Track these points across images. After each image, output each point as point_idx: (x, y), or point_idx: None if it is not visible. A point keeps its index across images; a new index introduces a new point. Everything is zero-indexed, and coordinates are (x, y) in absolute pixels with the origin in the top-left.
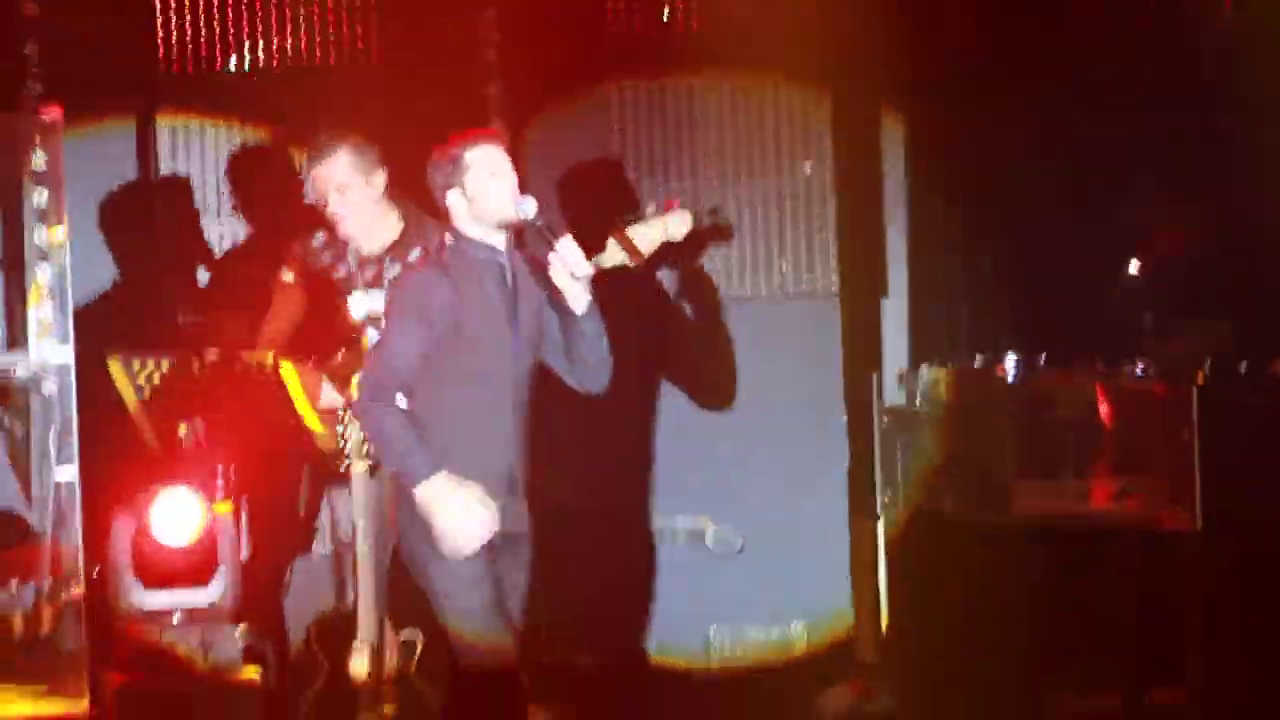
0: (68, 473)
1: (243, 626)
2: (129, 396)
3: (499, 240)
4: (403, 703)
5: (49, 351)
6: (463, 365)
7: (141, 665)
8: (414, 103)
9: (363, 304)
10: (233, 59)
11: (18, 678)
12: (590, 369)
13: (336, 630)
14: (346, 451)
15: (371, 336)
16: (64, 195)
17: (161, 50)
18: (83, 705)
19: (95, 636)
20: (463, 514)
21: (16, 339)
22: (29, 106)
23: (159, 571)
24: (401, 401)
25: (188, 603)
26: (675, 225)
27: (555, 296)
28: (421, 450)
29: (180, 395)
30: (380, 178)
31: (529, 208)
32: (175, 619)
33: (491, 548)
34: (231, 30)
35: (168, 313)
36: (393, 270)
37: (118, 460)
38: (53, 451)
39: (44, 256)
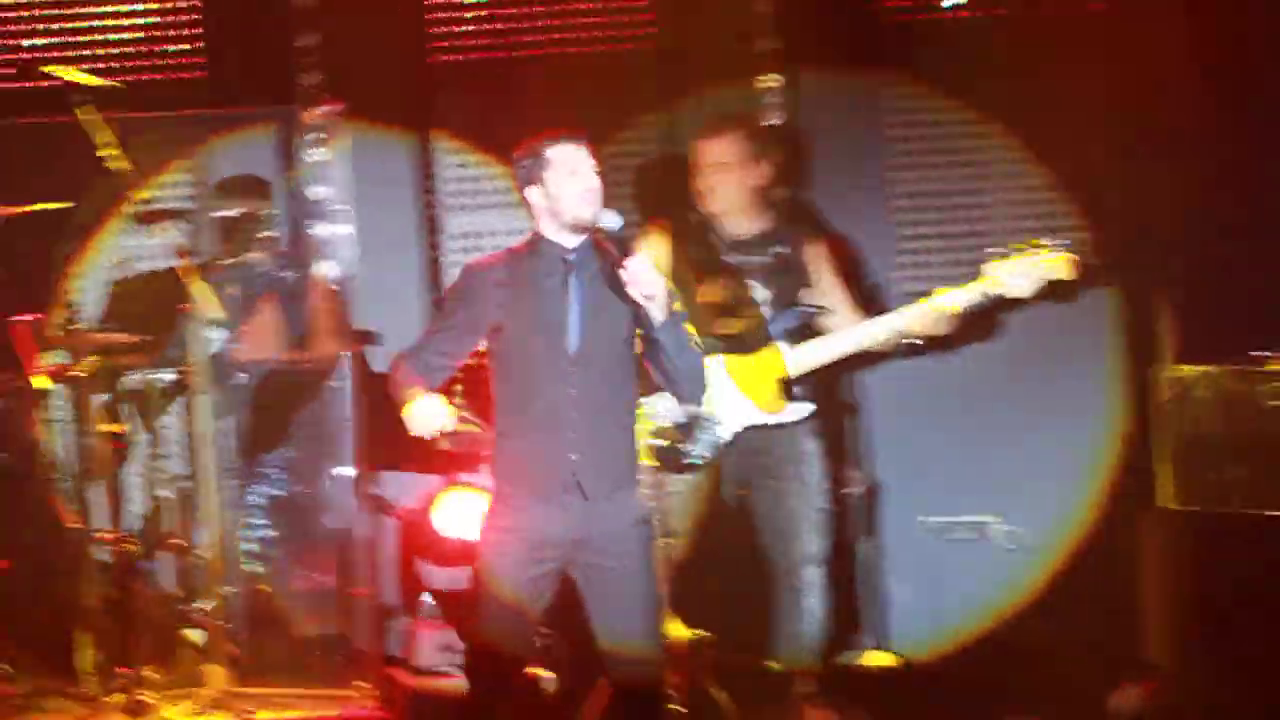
0: (350, 470)
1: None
2: None
3: (574, 242)
4: (692, 705)
5: (333, 347)
6: (511, 365)
7: (431, 665)
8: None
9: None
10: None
11: (309, 678)
12: (675, 381)
13: None
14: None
15: None
16: (345, 190)
17: (434, 42)
18: (372, 704)
19: (382, 635)
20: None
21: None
22: (309, 101)
23: (444, 568)
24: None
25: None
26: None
27: (638, 308)
28: (409, 384)
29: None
30: (764, 167)
31: (611, 220)
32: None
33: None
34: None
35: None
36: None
37: (400, 457)
38: (335, 447)
39: (326, 253)
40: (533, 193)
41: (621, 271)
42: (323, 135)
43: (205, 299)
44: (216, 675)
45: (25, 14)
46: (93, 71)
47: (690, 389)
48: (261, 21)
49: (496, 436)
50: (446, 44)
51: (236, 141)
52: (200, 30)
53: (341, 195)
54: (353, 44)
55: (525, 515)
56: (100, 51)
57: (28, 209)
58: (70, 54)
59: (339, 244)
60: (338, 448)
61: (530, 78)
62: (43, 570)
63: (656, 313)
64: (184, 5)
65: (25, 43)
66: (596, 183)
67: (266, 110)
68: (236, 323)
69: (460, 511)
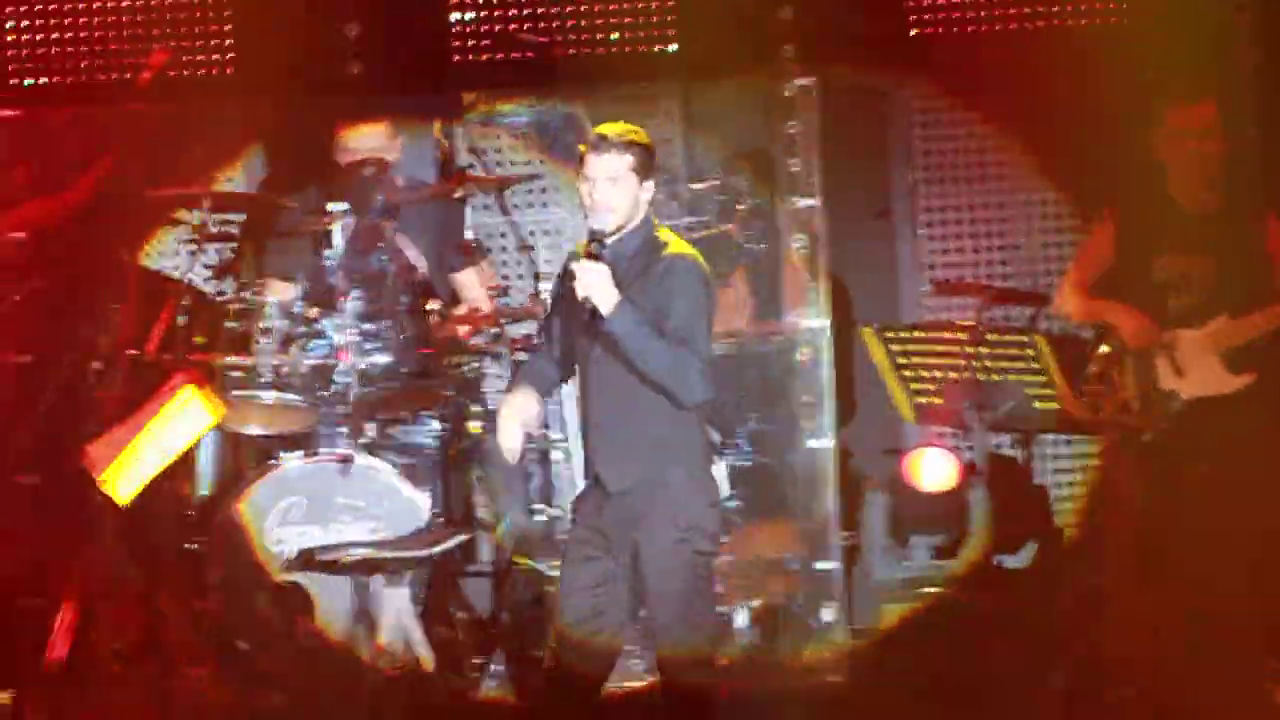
0: (820, 442)
1: None
2: (884, 365)
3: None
4: None
5: (803, 319)
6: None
7: None
8: None
9: None
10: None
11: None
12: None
13: None
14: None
15: None
16: (816, 163)
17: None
18: None
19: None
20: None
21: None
22: (785, 72)
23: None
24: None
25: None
26: None
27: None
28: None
29: (933, 363)
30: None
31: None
32: None
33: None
34: None
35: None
36: None
37: (869, 427)
38: (805, 419)
39: (798, 225)
40: (582, 188)
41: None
42: (797, 107)
43: None
44: None
45: None
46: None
47: (668, 390)
48: None
49: None
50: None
51: (713, 114)
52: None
53: (811, 167)
54: (830, 16)
55: None
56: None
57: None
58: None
59: (808, 216)
60: (811, 419)
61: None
62: None
63: (602, 308)
64: None
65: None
66: (601, 195)
67: (744, 81)
68: None
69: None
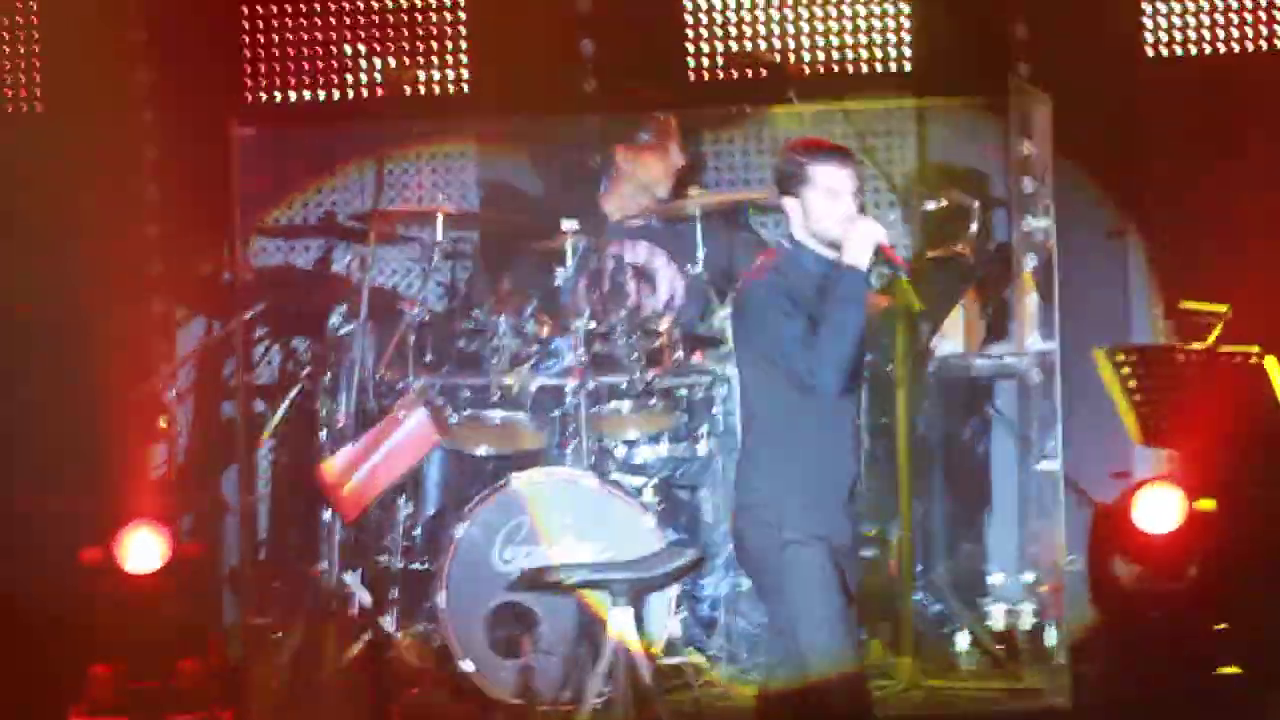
0: (1049, 464)
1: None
2: (1115, 387)
3: (831, 253)
4: None
5: (1034, 341)
6: None
7: None
8: None
9: None
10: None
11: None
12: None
13: None
14: None
15: None
16: (1049, 183)
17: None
18: None
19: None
20: None
21: (1003, 329)
22: (1019, 90)
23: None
24: None
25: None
26: None
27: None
28: None
29: (1165, 386)
30: None
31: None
32: None
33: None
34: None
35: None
36: None
37: (1101, 451)
38: (1035, 441)
39: (1030, 246)
40: (789, 202)
41: None
42: (1028, 128)
43: (906, 293)
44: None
45: None
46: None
47: (823, 366)
48: (971, 9)
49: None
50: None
51: (946, 133)
52: (907, 22)
53: (1045, 188)
54: (1065, 35)
55: None
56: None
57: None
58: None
59: (1042, 236)
60: (1041, 443)
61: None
62: None
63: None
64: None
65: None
66: (855, 204)
67: (977, 100)
68: (939, 316)
69: (1160, 508)
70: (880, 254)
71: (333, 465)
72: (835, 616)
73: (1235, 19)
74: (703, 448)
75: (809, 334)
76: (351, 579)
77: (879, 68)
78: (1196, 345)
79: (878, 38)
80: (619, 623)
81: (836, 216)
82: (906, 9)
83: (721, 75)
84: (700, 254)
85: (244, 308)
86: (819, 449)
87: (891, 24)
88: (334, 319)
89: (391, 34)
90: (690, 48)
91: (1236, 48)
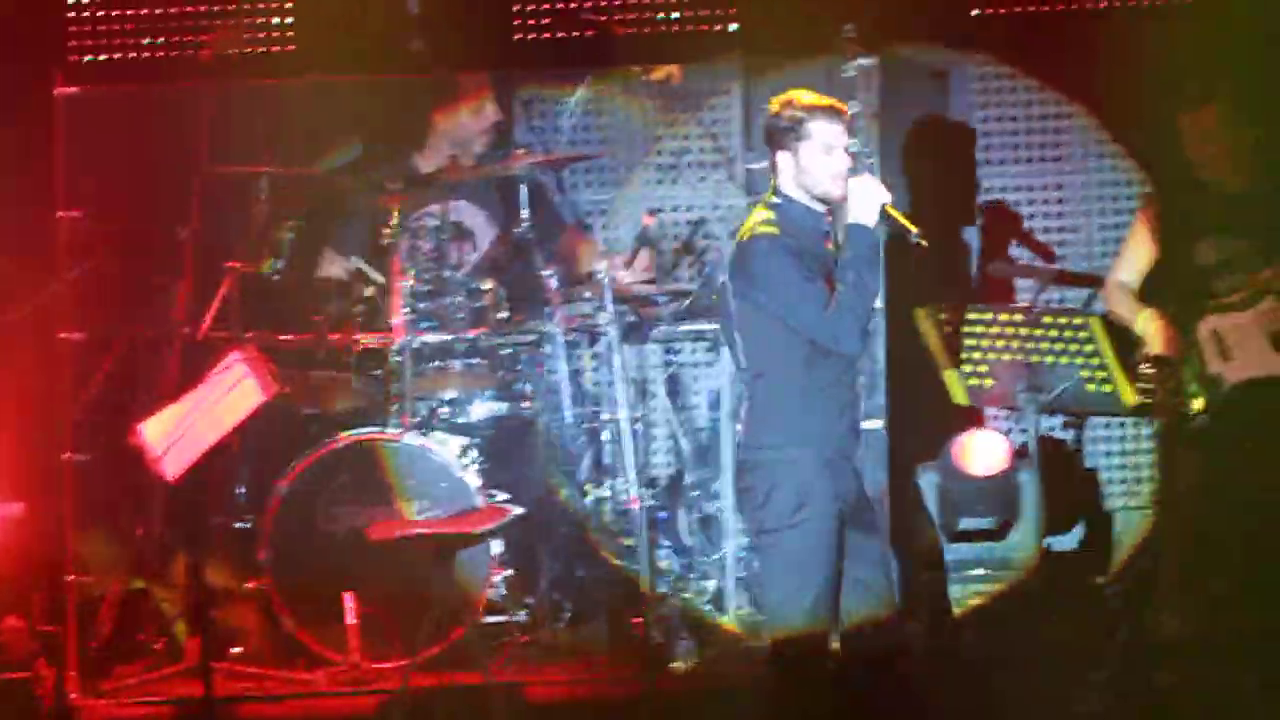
0: (875, 424)
1: None
2: (936, 345)
3: (823, 207)
4: None
5: None
6: None
7: None
8: None
9: None
10: None
11: None
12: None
13: None
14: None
15: None
16: (876, 143)
17: None
18: None
19: None
20: None
21: None
22: (845, 50)
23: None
24: None
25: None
26: None
27: None
28: None
29: (986, 345)
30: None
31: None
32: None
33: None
34: None
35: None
36: None
37: (922, 411)
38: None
39: None
40: (782, 157)
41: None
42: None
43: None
44: None
45: None
46: None
47: (841, 328)
48: None
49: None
50: None
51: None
52: None
53: (871, 147)
54: None
55: None
56: None
57: None
58: None
59: None
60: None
61: None
62: None
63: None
64: None
65: None
66: (847, 162)
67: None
68: None
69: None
70: (886, 216)
71: (156, 424)
72: (833, 576)
73: None
74: (526, 406)
75: (828, 297)
76: (174, 536)
77: (705, 28)
78: (1020, 305)
79: None
80: (442, 580)
81: (830, 172)
82: None
83: (546, 36)
84: (524, 213)
85: (68, 268)
86: (830, 401)
87: None
88: (159, 277)
89: None
90: (516, 7)
91: (1060, 6)
